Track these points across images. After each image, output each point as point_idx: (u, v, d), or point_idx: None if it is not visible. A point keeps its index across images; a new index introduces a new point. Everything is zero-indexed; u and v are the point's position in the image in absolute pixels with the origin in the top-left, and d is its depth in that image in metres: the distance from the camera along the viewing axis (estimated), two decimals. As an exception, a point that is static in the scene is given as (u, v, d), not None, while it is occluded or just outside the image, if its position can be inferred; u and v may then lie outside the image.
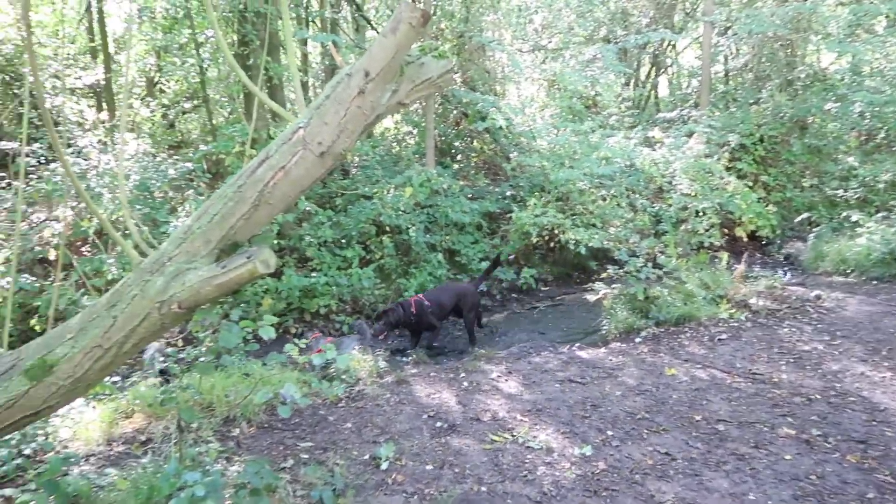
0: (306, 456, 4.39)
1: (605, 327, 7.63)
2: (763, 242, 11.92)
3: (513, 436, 4.70)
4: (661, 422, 4.92)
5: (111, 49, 12.86)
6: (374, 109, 3.00)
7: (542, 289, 10.33)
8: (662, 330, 7.30)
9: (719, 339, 6.75)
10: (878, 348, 6.18)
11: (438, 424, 4.85)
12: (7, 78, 11.72)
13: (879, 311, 7.35)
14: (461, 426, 4.84)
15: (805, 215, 11.85)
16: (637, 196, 11.48)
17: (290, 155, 2.87)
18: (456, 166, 12.93)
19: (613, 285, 8.09)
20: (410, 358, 6.64)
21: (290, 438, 4.66)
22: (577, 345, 7.12)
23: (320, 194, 11.06)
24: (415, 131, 13.43)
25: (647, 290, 7.68)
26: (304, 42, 11.84)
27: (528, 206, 10.22)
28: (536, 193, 10.81)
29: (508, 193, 11.62)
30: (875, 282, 8.68)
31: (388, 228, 9.71)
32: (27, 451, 4.31)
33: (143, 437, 4.62)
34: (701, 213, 9.90)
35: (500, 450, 4.49)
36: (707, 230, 9.74)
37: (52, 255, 7.94)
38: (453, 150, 13.30)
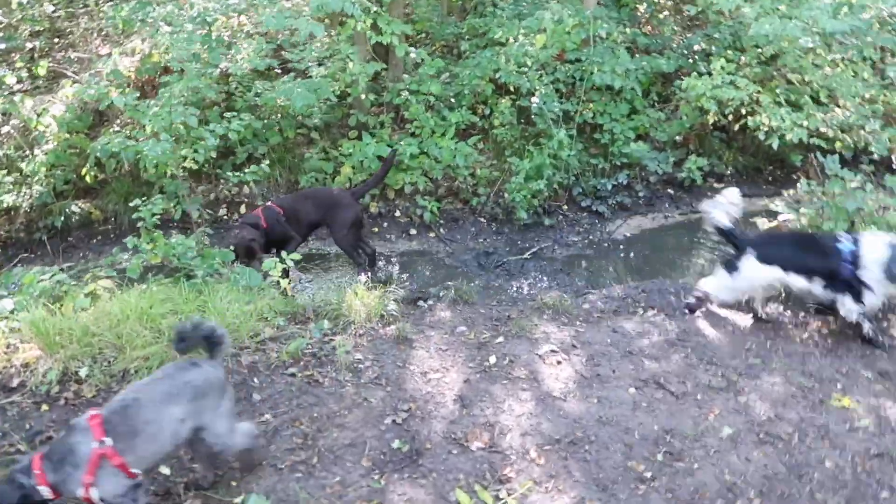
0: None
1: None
2: None
3: (498, 500, 2.78)
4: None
5: None
6: None
7: (714, 186, 7.46)
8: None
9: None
10: None
11: (395, 445, 3.04)
12: None
13: None
14: (427, 456, 2.99)
15: None
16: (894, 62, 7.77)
17: None
18: (641, 7, 9.72)
19: (804, 209, 5.24)
20: (449, 293, 4.60)
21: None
22: (711, 302, 4.67)
23: (448, 35, 8.82)
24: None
25: (855, 222, 4.81)
26: None
27: (714, 71, 7.22)
28: (729, 51, 7.63)
29: (696, 48, 8.43)
30: None
31: (512, 88, 7.38)
32: None
33: (17, 381, 3.41)
34: None
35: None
36: None
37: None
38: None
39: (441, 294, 4.54)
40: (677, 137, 7.67)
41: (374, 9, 6.42)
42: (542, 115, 7.04)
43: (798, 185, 5.33)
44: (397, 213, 6.80)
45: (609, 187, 6.99)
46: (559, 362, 3.76)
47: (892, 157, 6.66)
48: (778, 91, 7.18)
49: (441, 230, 6.63)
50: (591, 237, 6.54)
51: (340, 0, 5.53)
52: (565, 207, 6.99)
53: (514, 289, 5.51)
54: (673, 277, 5.48)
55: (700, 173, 7.26)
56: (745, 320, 4.33)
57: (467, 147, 6.78)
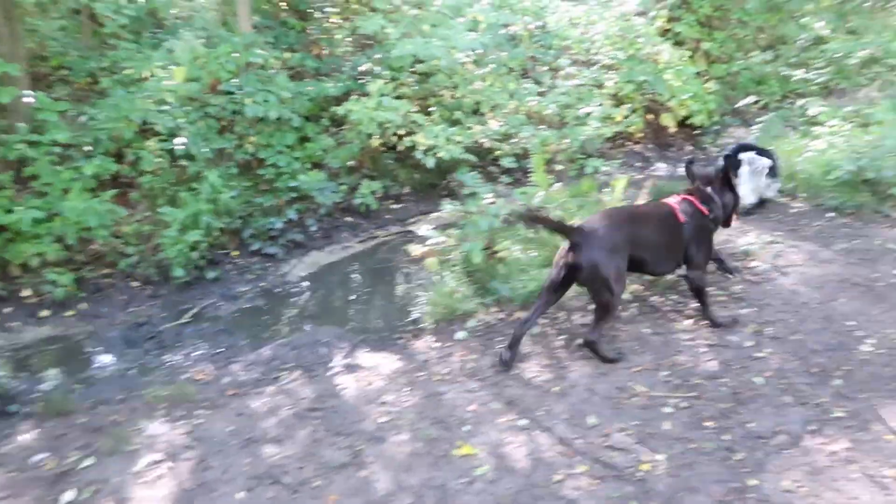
0: None
1: (421, 308, 4.83)
2: (695, 132, 8.97)
3: None
4: None
5: None
6: None
7: (392, 207, 7.36)
8: (503, 316, 4.54)
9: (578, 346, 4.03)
10: (828, 368, 3.56)
11: None
12: None
13: (834, 280, 4.66)
14: None
15: (751, 99, 8.86)
16: (543, 69, 8.30)
17: None
18: (313, 28, 9.38)
19: (450, 229, 5.18)
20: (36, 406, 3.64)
21: None
22: (365, 347, 4.33)
23: (90, 70, 7.60)
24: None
25: (491, 246, 4.82)
26: None
27: (371, 92, 7.05)
28: (390, 72, 7.56)
29: (364, 69, 8.26)
30: (832, 213, 5.90)
31: (159, 130, 6.48)
32: None
33: None
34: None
35: None
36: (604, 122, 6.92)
37: None
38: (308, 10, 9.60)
39: (25, 410, 3.59)
40: (351, 163, 7.41)
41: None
42: (193, 156, 6.27)
43: (442, 205, 5.26)
44: (25, 293, 5.55)
45: (279, 225, 6.44)
46: (160, 476, 3.07)
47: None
48: (434, 109, 7.24)
49: (82, 305, 5.53)
50: (262, 284, 5.92)
51: None
52: (236, 254, 6.31)
53: (167, 364, 4.69)
54: (350, 315, 5.09)
55: (374, 197, 7.06)
56: (391, 364, 4.04)
57: (99, 204, 5.75)
